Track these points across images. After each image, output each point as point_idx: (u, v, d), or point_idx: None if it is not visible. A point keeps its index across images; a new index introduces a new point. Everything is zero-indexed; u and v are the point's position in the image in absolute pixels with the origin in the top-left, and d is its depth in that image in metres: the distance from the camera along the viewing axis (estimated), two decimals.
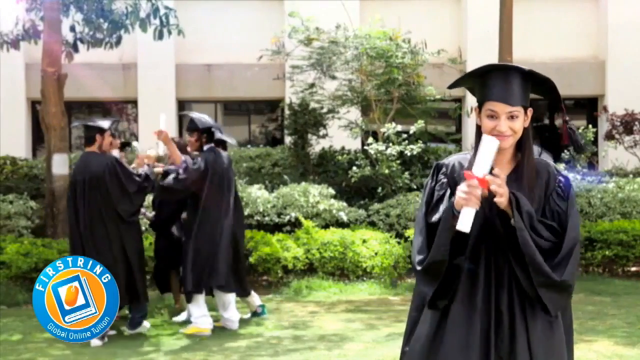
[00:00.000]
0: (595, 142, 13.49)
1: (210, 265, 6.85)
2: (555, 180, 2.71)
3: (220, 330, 7.08)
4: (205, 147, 7.06)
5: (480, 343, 2.60)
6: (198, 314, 6.87)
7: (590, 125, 11.45)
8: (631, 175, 11.55)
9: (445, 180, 2.73)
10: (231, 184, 7.06)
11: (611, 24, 14.97)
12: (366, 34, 11.27)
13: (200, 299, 6.89)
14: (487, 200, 2.62)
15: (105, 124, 7.06)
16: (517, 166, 2.69)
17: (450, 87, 2.83)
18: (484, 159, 2.52)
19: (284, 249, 9.19)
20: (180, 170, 6.79)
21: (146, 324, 6.99)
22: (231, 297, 7.07)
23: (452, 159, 2.78)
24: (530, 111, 2.68)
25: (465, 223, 2.50)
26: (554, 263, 2.57)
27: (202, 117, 7.26)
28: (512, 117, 2.61)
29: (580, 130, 11.40)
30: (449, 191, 2.70)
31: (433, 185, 2.75)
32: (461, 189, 2.50)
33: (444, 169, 2.76)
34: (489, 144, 2.53)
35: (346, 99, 12.25)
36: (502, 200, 2.51)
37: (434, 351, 2.65)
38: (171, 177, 6.84)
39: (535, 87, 2.72)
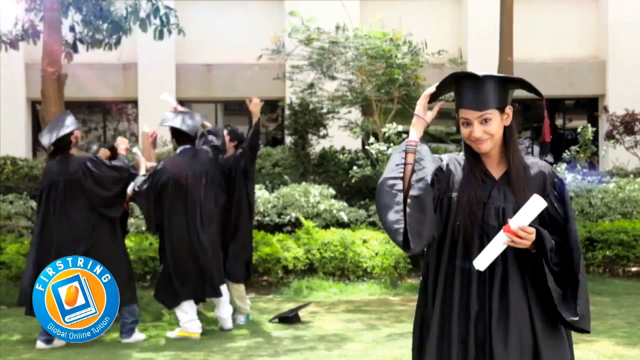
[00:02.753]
0: (595, 142, 13.48)
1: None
2: (551, 182, 2.71)
3: (220, 331, 7.08)
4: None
5: (477, 354, 2.63)
6: (185, 319, 6.77)
7: (589, 125, 11.44)
8: (632, 176, 11.54)
9: (440, 174, 2.73)
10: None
11: (611, 23, 14.96)
12: (366, 34, 11.26)
13: (185, 304, 6.78)
14: (484, 202, 2.64)
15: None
16: (509, 167, 2.70)
17: (432, 101, 2.78)
18: (525, 217, 2.54)
19: (285, 249, 9.19)
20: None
21: (141, 335, 6.81)
22: (224, 296, 7.02)
23: (445, 158, 2.79)
24: (510, 109, 2.69)
25: (483, 262, 2.56)
26: (568, 300, 2.64)
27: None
28: (485, 120, 2.63)
29: (579, 130, 11.38)
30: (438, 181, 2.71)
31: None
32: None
33: (440, 164, 2.76)
34: (535, 204, 2.55)
35: (346, 99, 12.24)
36: (525, 246, 2.56)
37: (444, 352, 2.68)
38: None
39: (516, 84, 2.74)
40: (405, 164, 2.64)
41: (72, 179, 6.53)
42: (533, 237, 2.55)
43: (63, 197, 6.52)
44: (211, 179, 6.93)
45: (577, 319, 2.62)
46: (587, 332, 2.71)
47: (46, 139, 6.71)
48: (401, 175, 2.63)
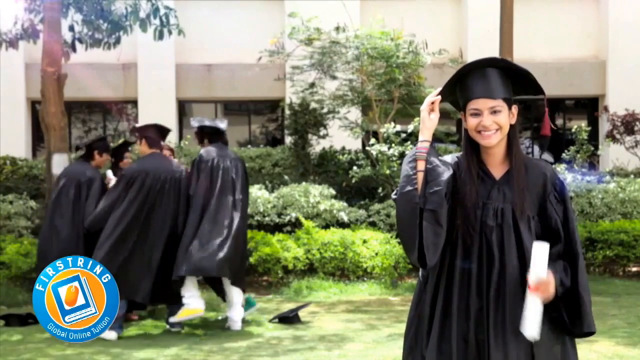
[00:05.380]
0: (595, 141, 13.47)
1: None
2: (552, 184, 2.71)
3: (221, 331, 7.08)
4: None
5: (478, 354, 2.65)
6: (188, 294, 6.85)
7: (583, 124, 11.43)
8: (632, 176, 11.53)
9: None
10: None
11: (612, 23, 14.95)
12: (367, 34, 11.25)
13: (189, 282, 6.88)
14: (483, 202, 2.65)
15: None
16: (510, 167, 2.71)
17: (442, 101, 2.79)
18: (539, 268, 2.56)
19: (284, 249, 9.18)
20: None
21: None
22: (236, 296, 7.07)
23: (448, 159, 2.79)
24: (515, 108, 2.70)
25: (530, 329, 2.56)
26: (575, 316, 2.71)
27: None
28: (495, 111, 2.64)
29: (574, 129, 11.38)
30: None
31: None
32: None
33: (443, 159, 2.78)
34: (540, 251, 2.57)
35: (347, 99, 12.23)
36: (550, 294, 2.60)
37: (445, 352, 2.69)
38: None
39: (517, 86, 2.74)
40: (416, 172, 2.65)
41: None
42: (553, 282, 2.59)
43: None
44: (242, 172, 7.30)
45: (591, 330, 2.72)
46: (593, 333, 2.75)
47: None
48: (416, 186, 2.63)
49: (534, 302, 2.55)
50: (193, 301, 6.86)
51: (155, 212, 6.95)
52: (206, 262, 6.77)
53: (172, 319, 6.94)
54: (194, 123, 7.40)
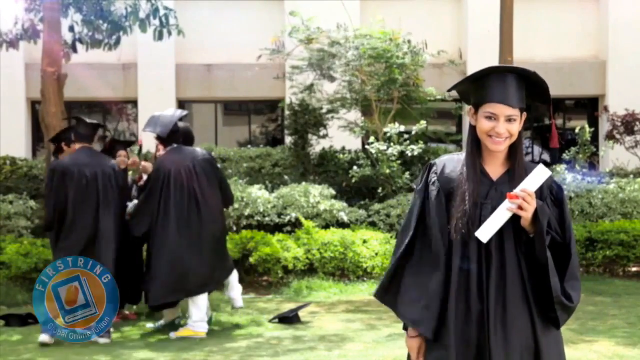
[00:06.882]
0: (595, 142, 13.47)
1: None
2: (548, 187, 2.72)
3: (220, 331, 7.09)
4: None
5: (478, 355, 2.64)
6: (197, 317, 6.82)
7: (586, 125, 11.43)
8: (632, 176, 11.53)
9: (435, 178, 2.76)
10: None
11: (612, 23, 14.95)
12: (367, 34, 11.25)
13: (201, 300, 6.84)
14: (481, 202, 2.65)
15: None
16: (510, 168, 2.71)
17: (450, 90, 2.83)
18: (529, 184, 2.59)
19: (284, 249, 9.19)
20: None
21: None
22: (232, 276, 7.21)
23: (443, 159, 2.82)
24: (524, 115, 2.72)
25: (486, 233, 2.57)
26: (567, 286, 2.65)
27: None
28: (510, 120, 2.65)
29: (577, 130, 11.38)
30: (439, 190, 2.73)
31: (424, 185, 2.78)
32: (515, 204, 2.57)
33: (434, 168, 2.80)
34: (540, 173, 2.61)
35: (345, 101, 12.22)
36: (527, 214, 2.57)
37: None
38: None
39: (527, 90, 2.75)
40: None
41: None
42: (534, 203, 2.57)
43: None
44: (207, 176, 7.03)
45: (573, 305, 2.65)
46: (558, 327, 2.70)
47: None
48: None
49: (504, 210, 2.58)
50: (199, 326, 6.84)
51: (98, 209, 6.77)
52: (217, 274, 7.04)
53: (173, 335, 6.83)
54: (146, 133, 7.25)
